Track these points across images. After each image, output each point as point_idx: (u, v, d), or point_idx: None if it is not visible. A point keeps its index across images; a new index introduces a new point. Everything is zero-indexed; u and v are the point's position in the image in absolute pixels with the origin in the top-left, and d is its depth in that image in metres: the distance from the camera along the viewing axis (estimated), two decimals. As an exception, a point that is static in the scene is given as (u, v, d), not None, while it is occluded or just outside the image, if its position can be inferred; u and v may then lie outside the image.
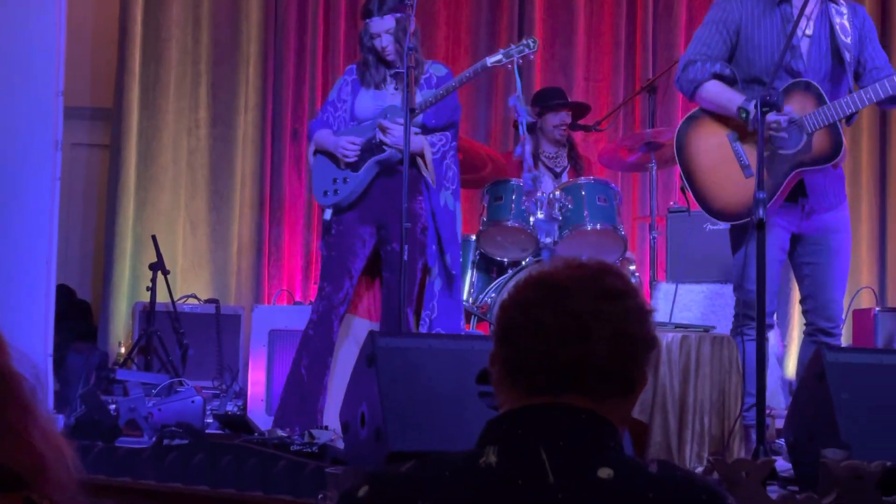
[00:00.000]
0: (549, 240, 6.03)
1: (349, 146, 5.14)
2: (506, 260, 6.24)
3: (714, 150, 4.50)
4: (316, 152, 5.29)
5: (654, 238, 6.60)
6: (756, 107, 4.07)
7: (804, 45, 4.40)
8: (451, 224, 5.19)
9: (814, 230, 4.49)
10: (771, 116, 4.15)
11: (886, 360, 3.95)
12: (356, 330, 5.14)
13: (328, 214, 5.18)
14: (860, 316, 6.30)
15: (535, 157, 6.70)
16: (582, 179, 6.30)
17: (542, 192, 6.06)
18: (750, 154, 4.39)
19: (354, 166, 5.16)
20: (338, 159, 5.20)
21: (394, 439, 3.47)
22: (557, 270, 1.77)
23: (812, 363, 3.85)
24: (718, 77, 4.43)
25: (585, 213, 6.12)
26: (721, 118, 4.48)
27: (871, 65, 4.47)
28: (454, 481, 1.68)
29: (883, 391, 3.74)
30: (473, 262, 6.32)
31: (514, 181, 6.16)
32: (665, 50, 7.88)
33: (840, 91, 4.43)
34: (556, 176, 6.76)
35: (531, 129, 6.66)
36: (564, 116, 6.78)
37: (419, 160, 5.08)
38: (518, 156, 5.69)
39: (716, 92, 4.42)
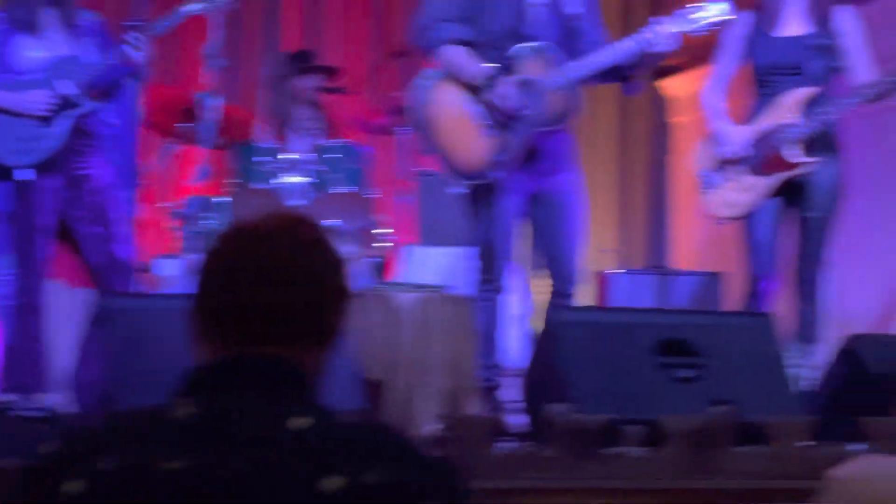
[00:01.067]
0: (298, 202, 6.03)
1: (42, 101, 4.70)
2: (253, 222, 6.19)
3: (454, 110, 4.57)
4: None
5: (403, 201, 6.66)
6: (493, 73, 4.17)
7: (535, 13, 4.51)
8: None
9: (549, 192, 4.61)
10: (504, 82, 4.26)
11: (610, 318, 4.11)
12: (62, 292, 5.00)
13: (22, 174, 4.66)
14: (601, 278, 6.49)
15: (287, 119, 6.67)
16: (331, 142, 6.31)
17: (293, 154, 6.07)
18: (489, 114, 4.52)
19: (47, 122, 4.74)
20: (20, 115, 4.72)
21: (123, 400, 3.41)
22: (253, 221, 1.77)
23: (546, 322, 3.98)
24: (457, 41, 4.52)
25: (335, 176, 6.13)
26: (460, 80, 4.56)
27: (584, 33, 4.62)
28: (144, 433, 1.66)
29: (608, 348, 3.88)
30: (223, 224, 6.25)
31: (262, 143, 6.13)
32: (415, 12, 7.93)
33: (574, 55, 4.57)
34: (307, 138, 6.74)
35: (279, 88, 6.63)
36: (315, 79, 6.75)
37: None
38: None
39: (455, 55, 4.52)
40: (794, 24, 4.95)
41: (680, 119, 8.01)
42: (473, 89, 4.52)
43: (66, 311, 5.10)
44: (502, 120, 4.43)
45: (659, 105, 8.10)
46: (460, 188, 4.58)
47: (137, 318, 3.58)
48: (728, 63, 5.08)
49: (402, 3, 7.91)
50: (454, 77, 4.55)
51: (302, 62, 6.78)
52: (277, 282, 1.71)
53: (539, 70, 4.44)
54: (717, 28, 4.58)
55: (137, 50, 4.69)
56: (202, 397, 1.68)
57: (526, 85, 4.39)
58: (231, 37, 7.61)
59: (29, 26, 4.76)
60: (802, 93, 4.86)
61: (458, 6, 4.53)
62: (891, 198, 6.14)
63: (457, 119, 4.56)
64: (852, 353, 4.10)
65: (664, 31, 4.40)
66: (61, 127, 4.75)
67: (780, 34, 4.95)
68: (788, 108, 4.87)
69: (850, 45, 4.86)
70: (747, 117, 5.03)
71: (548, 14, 4.53)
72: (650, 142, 8.21)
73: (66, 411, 3.82)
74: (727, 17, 4.52)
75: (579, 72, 4.43)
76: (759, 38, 4.99)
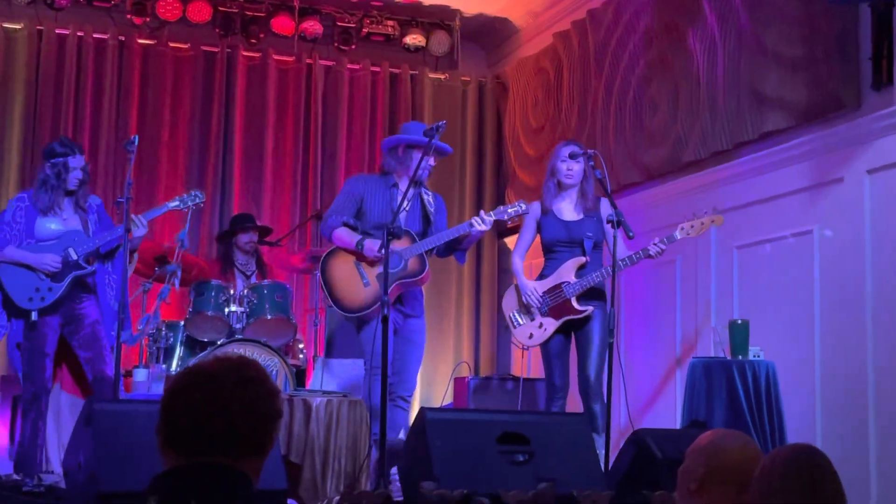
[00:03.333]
0: (239, 325, 5.97)
1: (53, 262, 4.79)
2: (206, 339, 6.10)
3: (345, 269, 4.91)
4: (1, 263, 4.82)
5: (316, 325, 6.63)
6: (362, 241, 4.80)
7: (403, 214, 4.93)
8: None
9: (406, 329, 4.93)
10: (370, 246, 4.82)
11: (465, 416, 4.10)
12: (62, 399, 4.95)
13: (35, 315, 4.70)
14: (459, 382, 6.48)
15: (231, 263, 6.62)
16: (265, 281, 6.26)
17: (234, 290, 6.03)
18: (368, 273, 4.86)
19: (56, 277, 4.81)
20: (36, 270, 4.78)
21: (104, 481, 3.32)
22: (206, 362, 1.76)
23: (417, 419, 3.94)
24: (346, 225, 4.94)
25: (266, 305, 6.10)
26: (349, 251, 4.91)
27: (437, 227, 5.04)
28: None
29: (463, 439, 3.83)
30: (182, 342, 6.14)
31: (214, 281, 6.07)
32: (330, 187, 8.00)
33: (426, 235, 4.98)
34: (247, 278, 6.69)
35: (226, 241, 6.62)
36: (252, 235, 6.72)
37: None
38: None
39: (344, 234, 4.92)
40: (570, 212, 5.17)
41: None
42: (359, 257, 4.83)
43: (66, 413, 4.99)
44: (373, 275, 4.78)
45: (504, 253, 8.25)
46: (350, 319, 4.83)
47: (115, 418, 3.49)
48: (527, 236, 5.28)
49: (319, 180, 7.98)
50: (345, 249, 4.88)
51: (244, 222, 6.76)
52: (227, 413, 1.70)
53: (405, 244, 4.81)
54: (520, 216, 5.01)
55: (137, 228, 4.81)
56: (168, 495, 1.66)
57: (393, 253, 4.63)
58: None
59: (49, 209, 4.80)
60: (578, 260, 5.08)
61: (351, 205, 4.95)
62: (665, 329, 6.26)
63: (346, 275, 4.87)
64: (640, 442, 4.06)
65: (484, 220, 4.80)
66: (66, 282, 4.74)
67: (561, 218, 5.16)
68: (568, 270, 5.06)
69: (608, 229, 5.04)
70: (539, 275, 5.20)
71: (411, 212, 4.96)
72: (497, 279, 8.33)
73: (60, 488, 3.68)
74: (526, 212, 5.00)
75: (427, 246, 4.83)
76: (547, 220, 5.19)
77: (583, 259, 5.03)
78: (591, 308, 4.98)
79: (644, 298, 6.32)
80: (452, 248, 4.99)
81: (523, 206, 4.94)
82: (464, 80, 8.59)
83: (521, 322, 5.12)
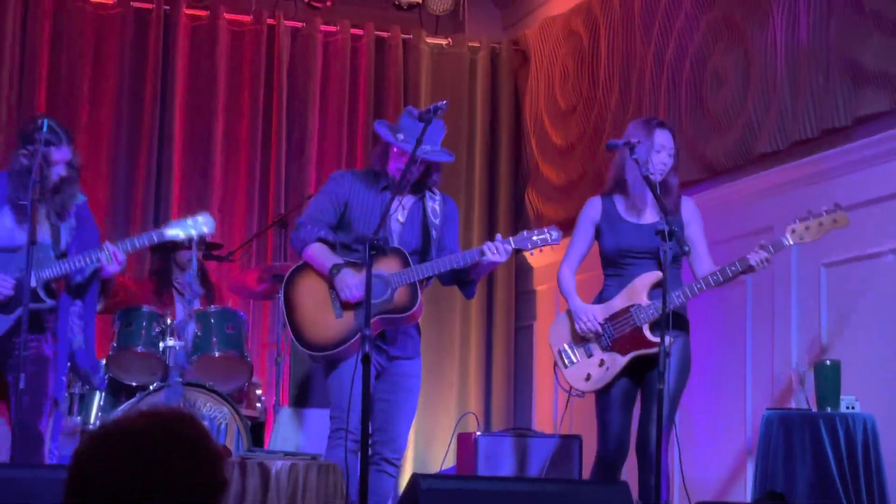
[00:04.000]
0: (178, 365, 5.98)
1: (4, 286, 4.82)
2: (134, 383, 6.11)
3: (314, 293, 4.84)
4: None
5: (279, 364, 6.65)
6: (340, 266, 4.72)
7: (395, 226, 4.87)
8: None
9: (394, 372, 4.86)
10: (349, 274, 4.73)
11: (465, 485, 4.12)
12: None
13: None
14: (464, 440, 6.48)
15: (168, 283, 6.64)
16: (212, 308, 6.29)
17: (174, 319, 6.05)
18: (342, 300, 4.78)
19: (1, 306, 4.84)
20: None
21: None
22: (130, 417, 1.74)
23: (408, 488, 3.95)
24: (322, 241, 4.86)
25: (214, 339, 6.13)
26: (321, 272, 4.86)
27: (442, 243, 4.97)
28: None
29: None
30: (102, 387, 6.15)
31: (145, 308, 6.09)
32: (297, 186, 8.03)
33: (427, 260, 4.89)
34: (189, 302, 6.70)
35: (162, 254, 6.62)
36: (197, 249, 6.74)
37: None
38: None
39: (318, 253, 4.84)
40: (644, 212, 5.06)
41: (542, 287, 8.18)
42: (328, 280, 4.81)
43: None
44: (348, 305, 4.74)
45: (524, 274, 8.27)
46: (315, 358, 4.82)
47: (7, 489, 3.49)
48: (582, 242, 5.16)
49: (282, 177, 8.01)
50: (313, 268, 4.86)
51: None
52: (154, 484, 1.69)
53: (392, 267, 4.76)
54: (547, 246, 4.85)
55: (110, 261, 4.85)
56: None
57: (376, 278, 4.61)
58: (122, 206, 7.70)
59: (17, 206, 4.84)
60: (651, 277, 4.93)
61: (331, 210, 4.88)
62: (731, 371, 6.26)
63: (316, 302, 4.82)
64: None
65: (500, 248, 4.72)
66: (15, 316, 4.75)
67: (632, 220, 5.05)
68: (639, 290, 4.94)
69: (693, 235, 5.02)
70: (599, 296, 5.10)
71: (409, 222, 4.89)
72: (515, 308, 8.35)
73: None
74: (556, 241, 4.81)
75: (422, 274, 4.74)
76: (613, 222, 5.07)
77: (658, 274, 4.92)
78: (671, 339, 4.87)
79: (704, 332, 6.32)
80: (460, 278, 4.92)
81: (553, 235, 4.79)
82: (472, 46, 8.63)
83: (576, 359, 5.02)
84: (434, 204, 4.93)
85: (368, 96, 8.28)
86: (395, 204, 4.62)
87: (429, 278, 4.82)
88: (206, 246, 6.84)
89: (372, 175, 4.92)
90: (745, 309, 6.18)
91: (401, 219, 4.87)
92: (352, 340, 4.67)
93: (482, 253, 4.72)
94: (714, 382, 6.34)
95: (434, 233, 4.89)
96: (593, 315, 5.00)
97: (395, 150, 4.81)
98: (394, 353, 4.85)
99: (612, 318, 4.96)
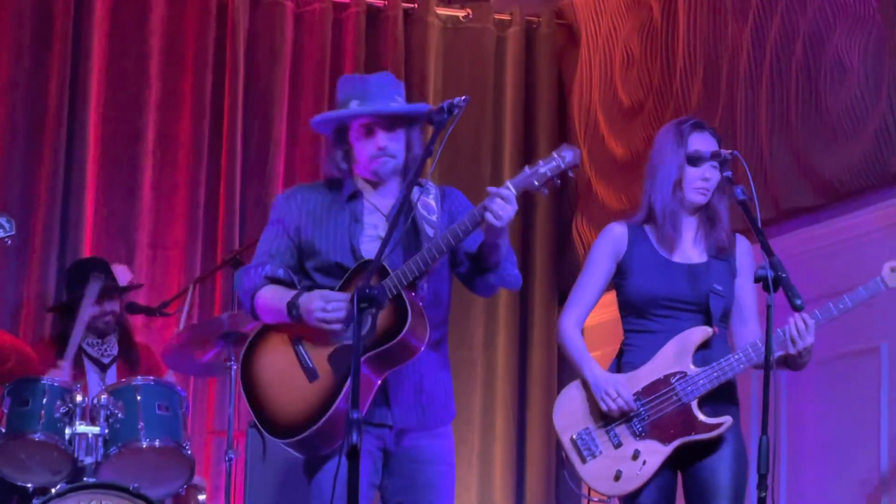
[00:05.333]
0: (90, 459, 6.01)
1: None
2: (30, 485, 6.14)
3: (278, 360, 4.74)
4: None
5: (230, 459, 6.60)
6: (297, 300, 4.57)
7: (370, 245, 4.71)
8: None
9: (403, 457, 4.70)
10: (309, 305, 4.56)
11: None
12: None
13: None
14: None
15: (80, 349, 6.65)
16: (138, 380, 6.27)
17: (86, 396, 6.07)
18: (315, 354, 4.65)
19: None
20: None
21: None
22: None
23: None
24: (274, 280, 4.78)
25: (141, 424, 6.10)
26: (285, 325, 4.72)
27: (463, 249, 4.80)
28: None
29: None
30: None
31: (45, 380, 6.11)
32: (257, 208, 8.12)
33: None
34: (103, 370, 6.74)
35: (69, 306, 6.68)
36: (111, 303, 6.80)
37: None
38: None
39: (269, 297, 4.75)
40: (688, 247, 5.10)
41: (596, 353, 8.21)
42: (300, 330, 4.66)
43: None
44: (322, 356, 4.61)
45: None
46: (294, 448, 4.67)
47: None
48: (594, 287, 5.17)
49: (237, 198, 8.05)
50: (279, 324, 4.74)
51: (97, 270, 6.75)
52: None
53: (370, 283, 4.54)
54: (563, 172, 4.54)
55: None
56: None
57: (346, 303, 4.53)
58: (14, 243, 7.76)
59: None
60: (700, 333, 4.99)
61: (284, 245, 4.81)
62: (858, 462, 6.28)
63: (280, 369, 4.71)
64: None
65: (503, 193, 4.45)
66: None
67: (670, 258, 5.07)
68: (683, 353, 4.98)
69: (743, 290, 5.08)
70: (617, 359, 5.10)
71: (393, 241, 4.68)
72: (558, 361, 8.33)
73: None
74: (573, 163, 4.53)
75: (408, 275, 4.54)
76: (643, 259, 5.09)
77: (708, 330, 5.00)
78: (727, 420, 4.94)
79: (820, 413, 6.35)
80: (479, 266, 4.70)
81: (567, 157, 4.49)
82: (499, 19, 8.72)
83: (599, 450, 5.07)
84: (428, 199, 4.83)
85: (356, 87, 8.34)
86: (371, 216, 4.68)
87: (419, 278, 4.60)
88: (120, 291, 6.82)
89: (329, 185, 4.88)
90: (879, 382, 6.18)
91: (381, 235, 4.69)
92: (333, 407, 4.51)
93: (484, 209, 4.47)
94: (833, 481, 6.34)
95: (431, 232, 4.74)
96: (623, 388, 5.00)
97: (355, 126, 4.73)
98: (400, 425, 4.69)
99: (646, 392, 4.99)
